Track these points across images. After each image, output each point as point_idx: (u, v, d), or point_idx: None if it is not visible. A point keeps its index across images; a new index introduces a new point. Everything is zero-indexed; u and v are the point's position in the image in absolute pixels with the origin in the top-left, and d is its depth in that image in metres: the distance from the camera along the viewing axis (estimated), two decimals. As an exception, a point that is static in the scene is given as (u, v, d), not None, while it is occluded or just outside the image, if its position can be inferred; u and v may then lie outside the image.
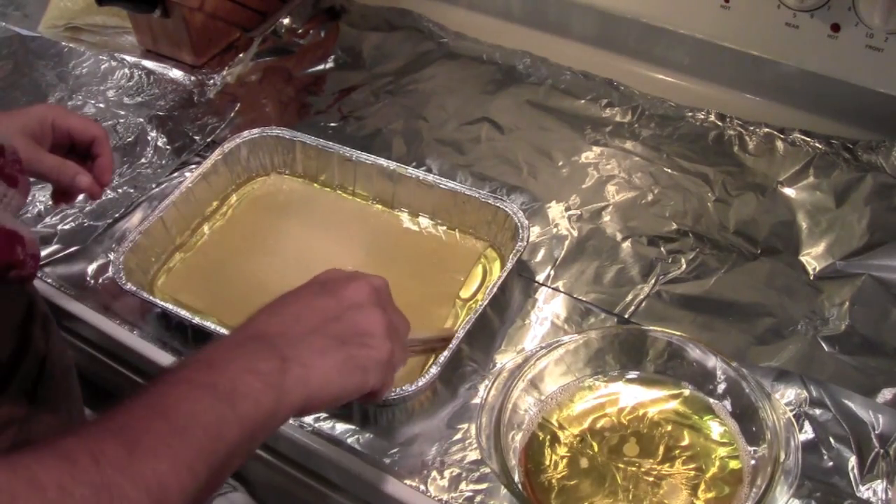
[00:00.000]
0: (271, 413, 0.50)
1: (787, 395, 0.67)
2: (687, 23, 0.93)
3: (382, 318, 0.57)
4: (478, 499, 0.64)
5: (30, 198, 0.89)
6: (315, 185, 0.88)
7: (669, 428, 0.65)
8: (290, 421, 0.69)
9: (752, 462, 0.63)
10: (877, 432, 0.64)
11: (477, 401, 0.69)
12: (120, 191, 0.89)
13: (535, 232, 0.81)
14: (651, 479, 0.63)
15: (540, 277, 0.78)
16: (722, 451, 0.64)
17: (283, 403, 0.51)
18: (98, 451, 0.43)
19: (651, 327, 0.70)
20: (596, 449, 0.65)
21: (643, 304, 0.75)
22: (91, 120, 0.80)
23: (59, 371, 0.72)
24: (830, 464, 0.64)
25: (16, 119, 0.73)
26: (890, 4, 0.79)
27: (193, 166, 0.89)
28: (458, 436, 0.67)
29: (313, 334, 0.54)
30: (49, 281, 0.80)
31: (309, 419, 0.69)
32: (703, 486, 0.62)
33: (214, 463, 0.47)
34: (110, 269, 0.78)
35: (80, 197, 0.89)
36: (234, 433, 0.48)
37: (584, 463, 0.64)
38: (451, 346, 0.69)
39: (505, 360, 0.71)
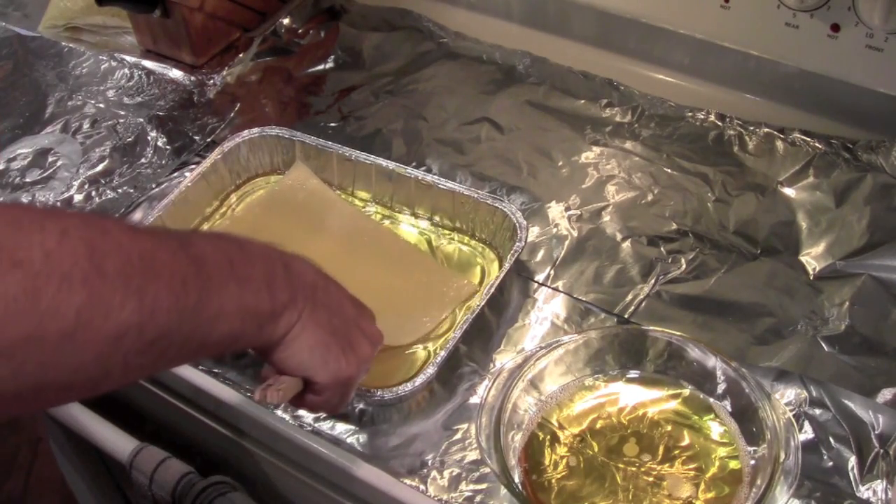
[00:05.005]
0: (261, 322, 0.53)
1: (787, 395, 0.67)
2: (687, 23, 0.93)
3: (370, 354, 0.62)
4: (478, 499, 0.64)
5: (30, 198, 0.89)
6: (325, 187, 0.87)
7: (669, 428, 0.65)
8: (290, 420, 0.69)
9: (752, 462, 0.63)
10: (877, 432, 0.64)
11: (476, 400, 0.69)
12: (120, 191, 0.89)
13: (534, 232, 0.81)
14: (651, 478, 0.62)
15: (539, 277, 0.78)
16: (722, 451, 0.64)
17: (269, 325, 0.54)
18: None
19: (651, 327, 0.70)
20: (596, 449, 0.64)
21: (643, 304, 0.75)
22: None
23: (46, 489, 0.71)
24: (830, 464, 0.63)
25: None
26: (890, 4, 0.79)
27: (193, 166, 0.89)
28: (458, 436, 0.67)
29: (323, 310, 0.58)
30: (49, 281, 0.80)
31: (309, 419, 0.69)
32: (702, 486, 0.62)
33: (204, 307, 0.48)
34: (110, 268, 0.78)
35: (80, 197, 0.89)
36: (231, 302, 0.50)
37: (583, 463, 0.64)
38: (449, 346, 0.69)
39: (504, 359, 0.71)
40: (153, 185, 0.90)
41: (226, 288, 0.50)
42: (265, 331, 0.54)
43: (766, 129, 0.89)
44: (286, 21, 1.09)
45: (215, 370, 0.73)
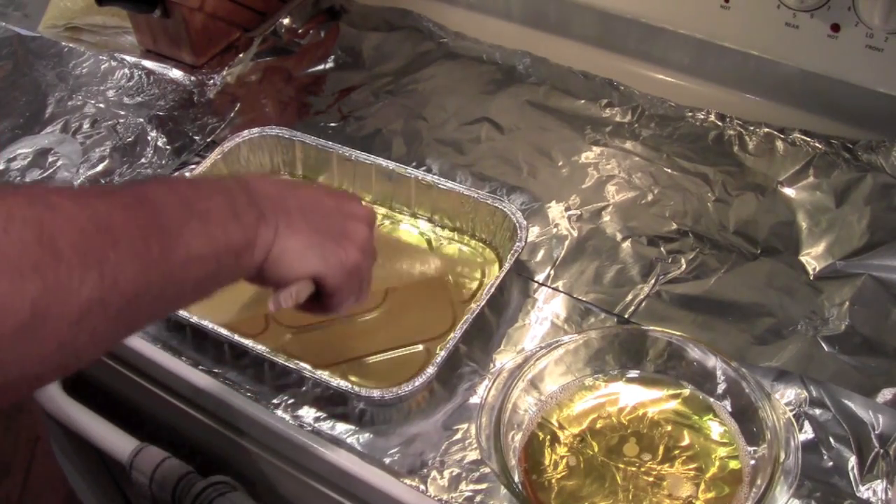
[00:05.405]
0: (236, 251, 0.51)
1: (787, 395, 0.67)
2: (687, 23, 0.93)
3: (367, 234, 0.60)
4: (478, 499, 0.64)
5: (29, 198, 0.89)
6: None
7: (669, 428, 0.65)
8: (290, 420, 0.69)
9: (752, 462, 0.63)
10: (877, 432, 0.64)
11: (476, 400, 0.69)
12: (120, 191, 0.89)
13: (534, 232, 0.81)
14: (651, 478, 0.62)
15: (539, 277, 0.78)
16: (722, 451, 0.64)
17: (246, 253, 0.52)
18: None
19: (651, 327, 0.70)
20: (596, 449, 0.64)
21: (643, 304, 0.75)
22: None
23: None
24: (830, 464, 0.63)
25: None
26: (890, 4, 0.79)
27: (193, 166, 0.89)
28: (458, 436, 0.67)
29: (299, 214, 0.56)
30: (49, 281, 0.80)
31: (308, 419, 0.69)
32: (702, 486, 0.62)
33: (171, 257, 0.46)
34: (110, 268, 0.78)
35: (80, 197, 0.89)
36: (199, 243, 0.48)
37: (583, 463, 0.64)
38: (449, 346, 0.69)
39: (504, 360, 0.71)
40: (153, 185, 0.90)
41: (189, 230, 0.48)
42: (244, 259, 0.52)
43: (766, 129, 0.89)
44: (286, 21, 1.09)
45: (215, 370, 0.73)
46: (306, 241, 0.56)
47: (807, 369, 0.69)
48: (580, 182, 0.87)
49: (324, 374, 0.68)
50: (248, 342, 0.70)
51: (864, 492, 0.62)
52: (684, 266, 0.78)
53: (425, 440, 0.67)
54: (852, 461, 0.63)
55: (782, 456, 0.60)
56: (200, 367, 0.73)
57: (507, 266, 0.74)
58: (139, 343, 0.76)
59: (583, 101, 0.95)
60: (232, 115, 0.97)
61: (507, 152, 0.90)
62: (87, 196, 0.44)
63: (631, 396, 0.68)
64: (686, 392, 0.67)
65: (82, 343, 0.42)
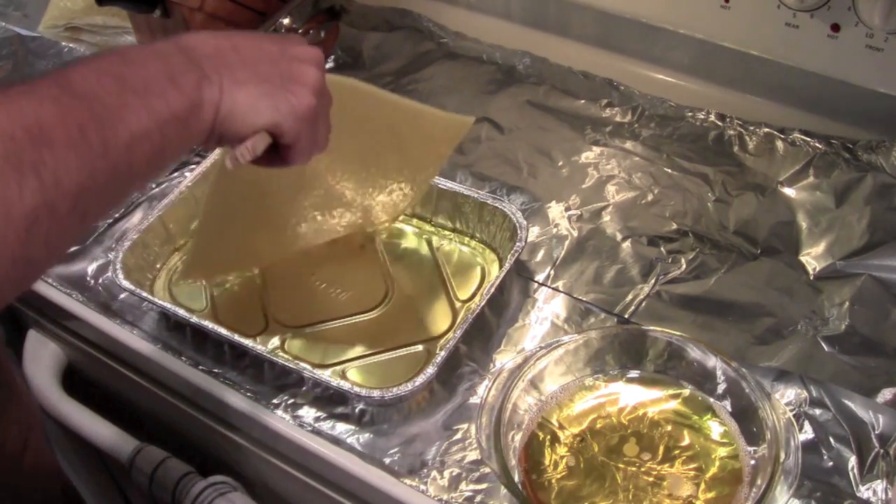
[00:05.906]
0: (182, 118, 0.49)
1: (787, 395, 0.67)
2: (687, 23, 0.93)
3: (317, 76, 0.58)
4: (478, 499, 0.64)
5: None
6: None
7: (669, 428, 0.65)
8: (290, 420, 0.69)
9: (752, 462, 0.63)
10: (877, 432, 0.64)
11: (476, 400, 0.69)
12: (120, 191, 0.89)
13: (534, 232, 0.81)
14: (651, 478, 0.62)
15: (539, 277, 0.78)
16: (722, 451, 0.64)
17: (193, 117, 0.50)
18: None
19: (651, 327, 0.70)
20: (596, 449, 0.64)
21: (643, 304, 0.75)
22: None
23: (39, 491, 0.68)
24: (830, 464, 0.63)
25: None
26: (890, 4, 0.79)
27: (194, 166, 0.89)
28: (458, 436, 0.67)
29: (242, 66, 0.54)
30: (49, 280, 0.80)
31: (308, 419, 0.69)
32: (703, 486, 0.62)
33: (113, 141, 0.44)
34: (110, 268, 0.78)
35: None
36: (141, 120, 0.46)
37: (584, 463, 0.64)
38: (449, 346, 0.69)
39: (504, 359, 0.71)
40: (153, 185, 0.89)
41: (127, 108, 0.46)
42: (192, 124, 0.50)
43: (766, 129, 0.89)
44: (286, 21, 1.09)
45: (215, 370, 0.73)
46: (254, 91, 0.54)
47: (807, 369, 0.69)
48: (580, 182, 0.87)
49: (324, 374, 0.68)
50: (248, 342, 0.70)
51: (864, 492, 0.62)
52: (684, 266, 0.78)
53: (425, 440, 0.67)
54: (852, 461, 0.63)
55: (782, 456, 0.60)
56: (200, 367, 0.73)
57: (507, 266, 0.74)
58: (139, 343, 0.76)
59: (583, 101, 0.95)
60: (232, 115, 0.97)
61: (507, 152, 0.91)
62: (10, 97, 0.41)
63: (631, 396, 0.68)
64: (686, 392, 0.67)
65: (37, 252, 0.40)
